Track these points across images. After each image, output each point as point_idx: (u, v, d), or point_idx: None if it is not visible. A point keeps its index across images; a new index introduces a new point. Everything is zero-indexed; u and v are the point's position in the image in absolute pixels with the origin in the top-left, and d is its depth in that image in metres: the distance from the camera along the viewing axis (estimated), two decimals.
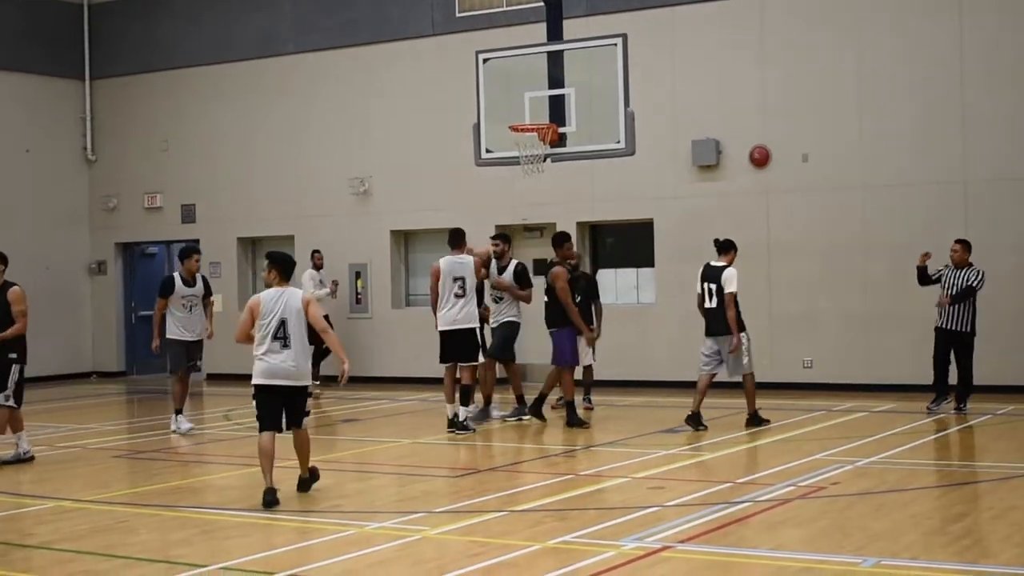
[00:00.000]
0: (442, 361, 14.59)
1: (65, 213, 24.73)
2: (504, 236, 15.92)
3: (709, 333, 14.42)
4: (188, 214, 24.14)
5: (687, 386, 18.82)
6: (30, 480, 11.95)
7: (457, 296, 14.34)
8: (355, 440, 14.67)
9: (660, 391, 18.61)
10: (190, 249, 15.46)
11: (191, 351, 15.18)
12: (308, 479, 10.78)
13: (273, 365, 10.33)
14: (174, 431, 14.99)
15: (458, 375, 14.44)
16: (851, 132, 18.24)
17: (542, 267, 20.74)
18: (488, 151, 15.36)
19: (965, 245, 15.10)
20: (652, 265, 19.87)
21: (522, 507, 9.85)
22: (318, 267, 20.79)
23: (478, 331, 14.60)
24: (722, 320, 14.13)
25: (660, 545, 8.28)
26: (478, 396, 15.56)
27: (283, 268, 10.61)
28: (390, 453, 13.26)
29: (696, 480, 11.01)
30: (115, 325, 24.98)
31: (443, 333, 14.45)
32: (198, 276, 15.24)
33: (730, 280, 14.13)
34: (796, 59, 18.67)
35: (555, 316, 14.92)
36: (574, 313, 14.78)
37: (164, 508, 10.23)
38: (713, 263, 14.45)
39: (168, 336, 15.04)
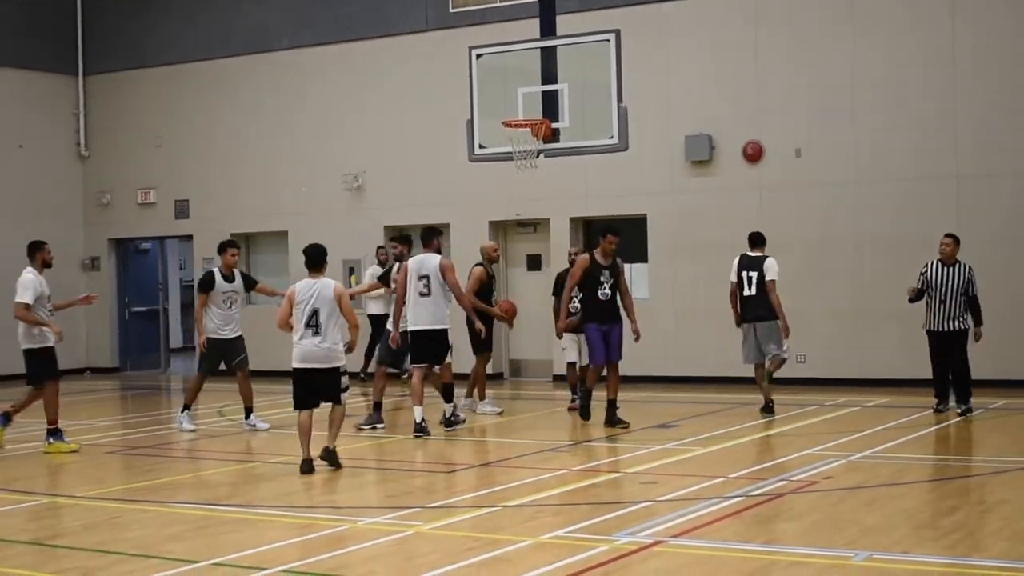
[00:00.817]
0: (413, 362, 14.12)
1: (58, 209, 24.71)
2: (404, 237, 15.15)
3: (748, 320, 14.86)
4: (182, 210, 24.13)
5: (680, 381, 18.95)
6: (24, 476, 11.96)
7: (421, 295, 13.79)
8: (348, 436, 14.66)
9: (653, 386, 18.64)
10: (227, 243, 14.96)
11: (229, 350, 14.70)
12: (332, 451, 11.52)
13: (306, 350, 11.41)
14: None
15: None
16: (844, 128, 18.28)
17: (535, 263, 20.84)
18: (481, 147, 15.36)
19: (955, 240, 14.69)
20: (645, 260, 19.90)
21: (515, 502, 9.87)
22: (382, 263, 20.20)
23: (448, 331, 14.02)
24: (764, 306, 14.71)
25: (652, 540, 8.30)
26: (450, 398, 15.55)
27: (307, 259, 11.60)
28: (383, 448, 13.26)
29: (688, 475, 11.03)
30: (109, 321, 24.97)
31: (411, 334, 14.03)
32: (236, 272, 14.82)
33: (773, 268, 14.79)
34: (789, 54, 18.71)
35: (584, 313, 14.46)
36: (563, 303, 14.64)
37: (157, 504, 10.24)
38: (750, 254, 14.94)
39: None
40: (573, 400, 15.98)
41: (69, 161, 25.00)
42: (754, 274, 14.79)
